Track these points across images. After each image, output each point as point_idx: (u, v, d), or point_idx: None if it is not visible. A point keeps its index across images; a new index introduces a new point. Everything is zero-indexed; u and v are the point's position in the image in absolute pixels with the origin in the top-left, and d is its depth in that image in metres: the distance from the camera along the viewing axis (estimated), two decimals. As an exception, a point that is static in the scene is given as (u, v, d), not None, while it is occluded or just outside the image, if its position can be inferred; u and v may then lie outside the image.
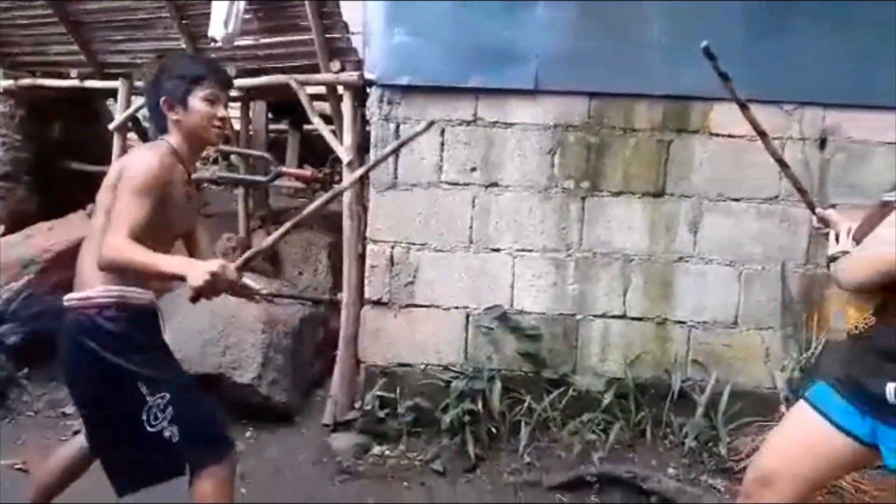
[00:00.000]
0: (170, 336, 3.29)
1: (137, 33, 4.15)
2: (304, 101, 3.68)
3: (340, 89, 3.69)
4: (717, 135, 3.29)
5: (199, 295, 1.80)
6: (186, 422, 1.97)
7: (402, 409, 3.31)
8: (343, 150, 3.53)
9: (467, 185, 3.39)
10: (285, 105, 5.33)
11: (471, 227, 3.40)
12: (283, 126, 6.44)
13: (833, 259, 1.89)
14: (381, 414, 3.32)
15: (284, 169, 4.49)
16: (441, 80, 3.34)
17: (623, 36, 3.24)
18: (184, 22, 3.97)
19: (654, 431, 3.24)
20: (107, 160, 4.34)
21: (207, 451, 2.00)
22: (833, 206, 3.21)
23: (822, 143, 3.29)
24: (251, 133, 5.05)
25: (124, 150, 4.31)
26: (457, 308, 3.43)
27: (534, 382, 3.36)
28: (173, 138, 2.05)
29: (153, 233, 1.90)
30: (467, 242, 3.40)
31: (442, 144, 3.39)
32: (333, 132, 3.70)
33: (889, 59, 3.12)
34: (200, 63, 2.19)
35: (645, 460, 3.11)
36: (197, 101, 2.02)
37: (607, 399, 3.24)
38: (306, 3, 3.47)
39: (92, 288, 1.95)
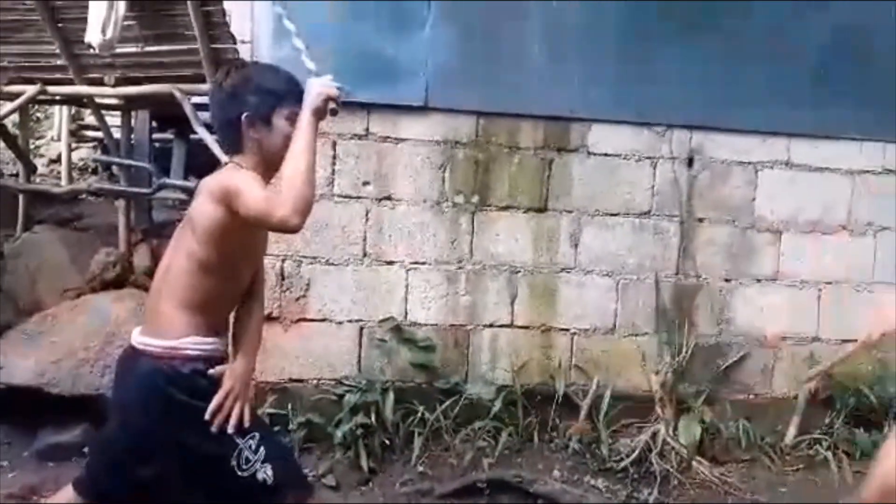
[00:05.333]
0: (42, 357, 3.11)
1: (8, 36, 3.90)
2: (189, 111, 3.60)
3: (228, 100, 3.62)
4: (595, 153, 3.50)
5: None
6: (279, 460, 1.85)
7: (294, 426, 3.27)
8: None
9: (360, 198, 3.42)
10: (172, 114, 5.15)
11: (364, 241, 3.43)
12: (169, 135, 6.20)
13: None
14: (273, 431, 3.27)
15: (168, 180, 4.34)
16: (331, 94, 3.35)
17: (507, 57, 3.39)
18: (59, 25, 3.78)
19: (541, 435, 3.38)
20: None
21: (301, 489, 1.90)
22: (700, 220, 3.55)
23: (690, 161, 3.57)
24: (133, 143, 4.85)
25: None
26: (350, 321, 3.43)
27: (427, 392, 3.42)
28: (250, 160, 1.82)
29: (236, 267, 1.84)
30: (360, 255, 3.42)
31: (334, 158, 3.40)
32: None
33: (746, 86, 3.46)
34: (283, 77, 1.89)
35: (532, 464, 3.23)
36: (281, 121, 1.81)
37: (497, 406, 3.34)
38: (191, 11, 3.40)
39: (177, 337, 1.80)
